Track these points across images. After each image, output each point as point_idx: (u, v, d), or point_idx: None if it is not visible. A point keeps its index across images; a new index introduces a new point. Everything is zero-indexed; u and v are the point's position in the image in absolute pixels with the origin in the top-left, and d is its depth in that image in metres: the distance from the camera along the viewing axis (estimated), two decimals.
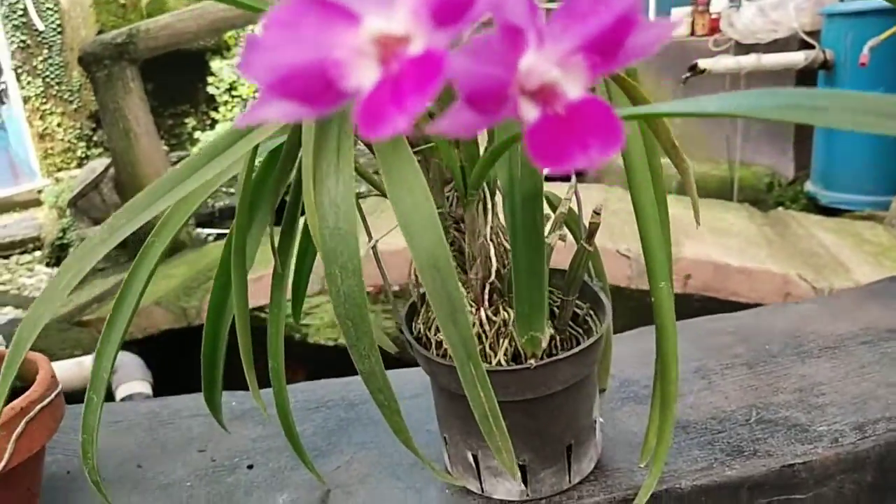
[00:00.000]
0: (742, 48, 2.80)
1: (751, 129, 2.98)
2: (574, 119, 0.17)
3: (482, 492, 0.52)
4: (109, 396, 1.90)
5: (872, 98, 0.17)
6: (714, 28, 3.15)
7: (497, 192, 0.49)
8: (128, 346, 2.13)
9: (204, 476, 0.60)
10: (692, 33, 3.37)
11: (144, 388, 1.78)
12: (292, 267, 0.52)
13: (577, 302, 0.54)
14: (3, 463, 0.49)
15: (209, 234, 3.64)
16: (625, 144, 0.48)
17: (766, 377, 0.65)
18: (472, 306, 0.48)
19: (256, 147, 0.41)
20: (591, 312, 0.53)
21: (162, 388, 1.85)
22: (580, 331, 0.53)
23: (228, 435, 0.66)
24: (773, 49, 2.69)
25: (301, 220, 0.52)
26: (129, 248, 3.30)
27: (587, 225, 0.48)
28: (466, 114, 0.16)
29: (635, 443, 0.56)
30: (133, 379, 1.76)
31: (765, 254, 1.83)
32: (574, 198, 0.51)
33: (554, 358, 0.45)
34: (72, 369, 1.69)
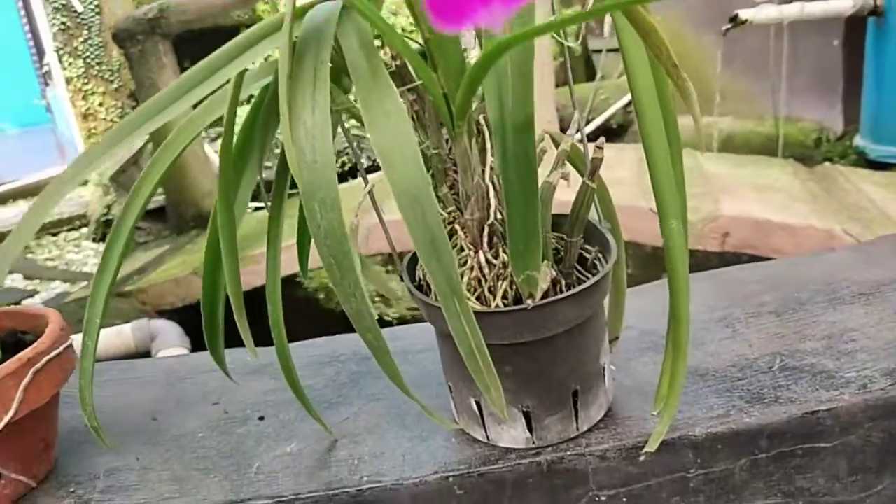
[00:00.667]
0: None
1: (796, 83, 2.85)
2: None
3: (487, 440, 0.51)
4: None
5: None
6: None
7: None
8: (168, 314, 2.18)
9: (216, 427, 0.60)
10: None
11: (183, 353, 1.82)
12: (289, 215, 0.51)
13: (586, 246, 0.52)
14: (12, 412, 0.49)
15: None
16: (635, 77, 0.46)
17: (794, 325, 0.62)
18: (470, 248, 0.47)
19: (241, 81, 0.40)
20: (600, 256, 0.51)
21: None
22: (589, 276, 0.51)
23: (243, 388, 0.66)
24: None
25: None
26: (170, 221, 3.37)
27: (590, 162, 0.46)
28: None
29: (651, 391, 0.54)
30: (172, 346, 1.80)
31: (809, 209, 1.75)
32: (579, 134, 0.48)
33: (552, 298, 0.43)
34: (112, 337, 1.73)
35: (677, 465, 0.50)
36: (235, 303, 0.44)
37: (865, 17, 2.49)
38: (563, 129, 0.50)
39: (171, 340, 1.80)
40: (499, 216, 0.47)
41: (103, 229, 4.11)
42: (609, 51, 3.23)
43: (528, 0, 0.16)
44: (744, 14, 2.45)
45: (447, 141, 0.47)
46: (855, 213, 1.74)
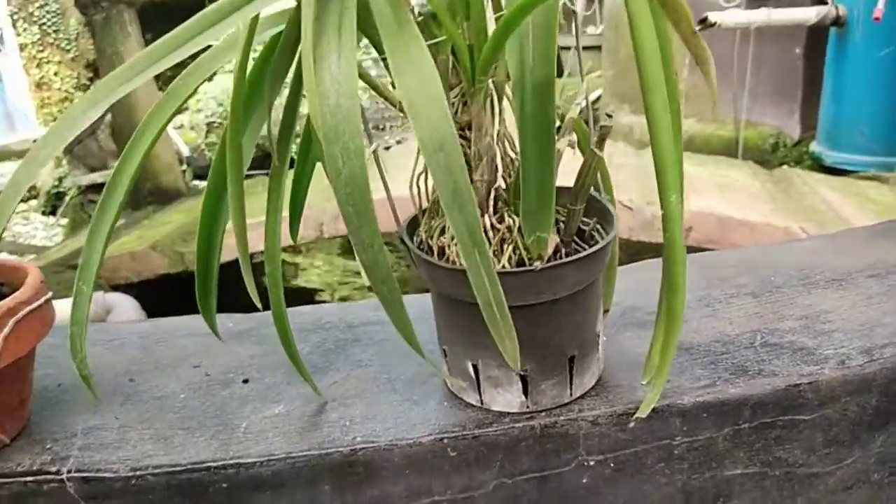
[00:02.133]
0: (753, 2, 2.74)
1: (758, 88, 2.93)
2: None
3: (481, 404, 0.51)
4: None
5: None
6: None
7: (505, 97, 0.47)
8: (122, 289, 2.12)
9: (198, 389, 0.59)
10: None
11: None
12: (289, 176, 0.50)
13: (584, 218, 0.53)
14: None
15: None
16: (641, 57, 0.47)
17: (772, 305, 0.64)
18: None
19: (255, 26, 0.39)
20: (598, 227, 0.52)
21: None
22: (585, 247, 0.51)
23: (224, 352, 0.65)
24: (785, 4, 2.63)
25: (298, 125, 0.50)
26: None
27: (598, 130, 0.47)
28: None
29: (637, 364, 0.55)
30: (128, 320, 1.75)
31: (768, 208, 1.81)
32: (585, 102, 0.49)
33: (559, 261, 0.43)
34: (66, 310, 1.67)
35: (664, 433, 0.51)
36: (242, 255, 0.44)
37: (828, 27, 2.58)
38: None
39: (126, 314, 1.75)
40: (504, 183, 0.47)
41: (53, 202, 3.97)
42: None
43: None
44: (713, 17, 2.51)
45: (453, 104, 0.47)
46: (811, 214, 1.80)
